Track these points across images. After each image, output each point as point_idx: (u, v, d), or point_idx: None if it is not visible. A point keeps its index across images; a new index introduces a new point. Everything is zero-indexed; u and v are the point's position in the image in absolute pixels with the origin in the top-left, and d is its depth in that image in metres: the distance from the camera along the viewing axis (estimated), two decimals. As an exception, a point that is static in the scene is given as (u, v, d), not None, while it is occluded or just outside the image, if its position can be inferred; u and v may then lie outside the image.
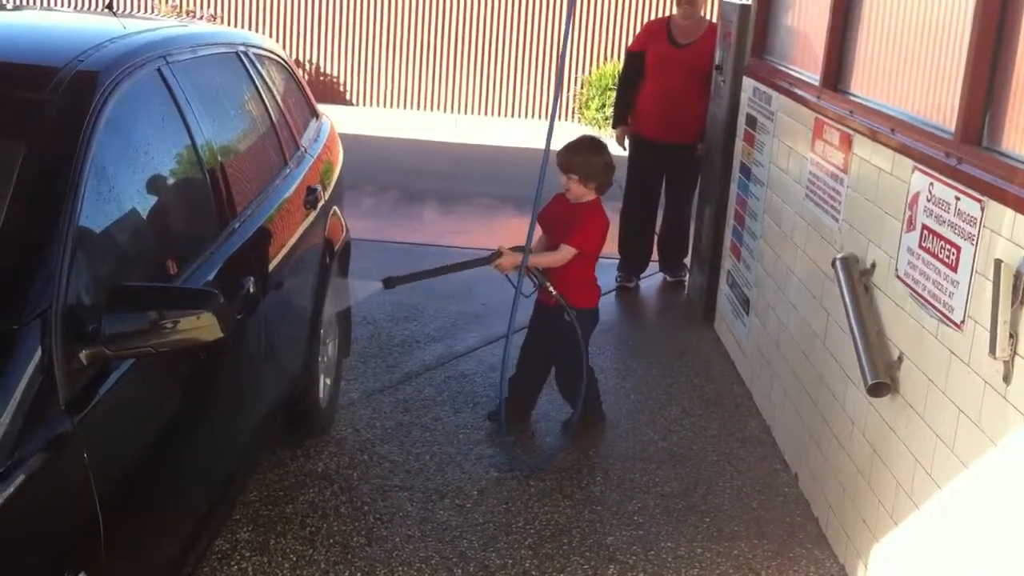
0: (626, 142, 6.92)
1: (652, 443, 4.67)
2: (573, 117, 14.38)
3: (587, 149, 4.51)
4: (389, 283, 4.46)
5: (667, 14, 8.06)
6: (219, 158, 3.23)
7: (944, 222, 3.07)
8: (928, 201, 3.19)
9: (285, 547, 3.66)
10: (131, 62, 2.83)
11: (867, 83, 4.11)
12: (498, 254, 4.46)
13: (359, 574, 3.55)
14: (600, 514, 4.04)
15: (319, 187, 4.26)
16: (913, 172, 3.31)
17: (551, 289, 4.44)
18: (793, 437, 4.44)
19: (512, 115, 14.59)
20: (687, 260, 6.96)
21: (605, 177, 4.48)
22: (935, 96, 3.46)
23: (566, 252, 4.41)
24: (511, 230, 8.21)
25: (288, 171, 3.98)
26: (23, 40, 2.96)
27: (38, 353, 2.10)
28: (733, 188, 5.80)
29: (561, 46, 4.62)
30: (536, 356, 4.73)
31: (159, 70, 3.01)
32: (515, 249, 4.47)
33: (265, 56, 4.24)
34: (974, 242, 2.87)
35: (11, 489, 1.92)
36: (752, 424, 4.90)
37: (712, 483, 4.33)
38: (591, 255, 4.52)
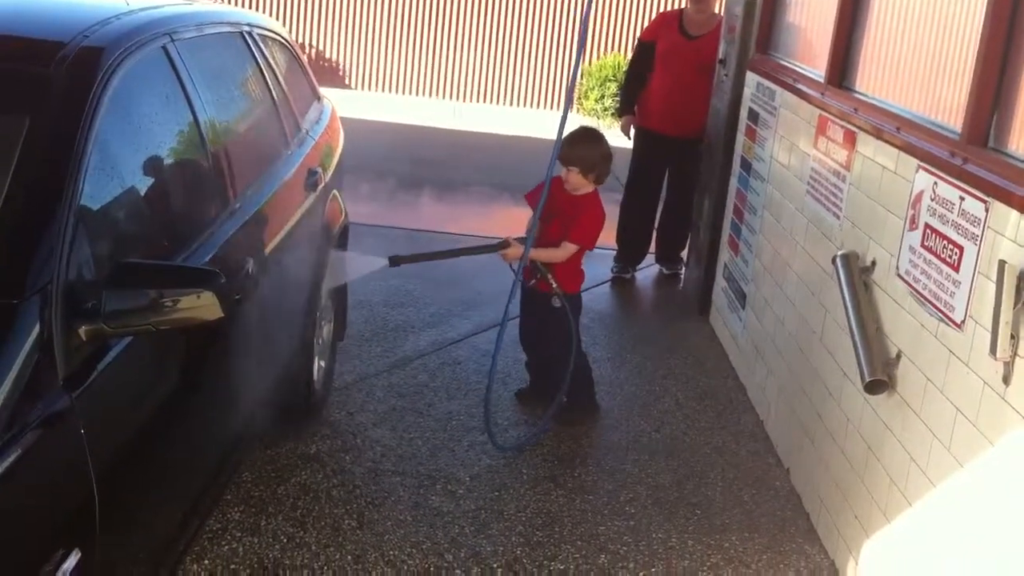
0: (631, 132, 6.90)
1: (645, 434, 4.67)
2: (572, 108, 14.35)
3: (587, 141, 4.53)
4: (395, 261, 4.47)
5: (677, 6, 8.03)
6: (222, 138, 3.21)
7: (948, 222, 3.06)
8: (932, 200, 3.18)
9: (276, 528, 3.66)
10: (136, 39, 2.81)
11: (873, 81, 4.10)
12: (505, 244, 4.46)
13: (349, 557, 3.54)
14: (592, 503, 4.04)
15: (320, 170, 4.24)
16: (917, 171, 3.31)
17: (551, 281, 4.46)
18: (786, 432, 4.45)
19: (512, 103, 14.56)
20: (683, 253, 6.96)
21: (604, 168, 4.51)
22: (942, 95, 3.45)
23: (568, 249, 4.44)
24: (507, 219, 8.20)
25: (289, 153, 3.96)
26: (28, 14, 2.92)
27: (37, 328, 2.09)
28: (733, 182, 5.79)
29: (580, 32, 4.57)
30: (534, 339, 4.79)
31: (164, 47, 2.99)
32: (521, 240, 4.47)
33: (269, 37, 4.22)
34: (977, 242, 2.87)
35: (7, 464, 1.91)
36: (745, 418, 4.91)
37: (704, 476, 4.34)
38: (589, 248, 4.56)
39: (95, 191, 2.40)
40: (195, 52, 3.21)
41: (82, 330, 2.20)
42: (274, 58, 4.14)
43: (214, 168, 3.10)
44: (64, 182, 2.29)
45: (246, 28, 3.93)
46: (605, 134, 4.74)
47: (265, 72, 3.92)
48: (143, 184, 2.74)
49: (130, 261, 2.40)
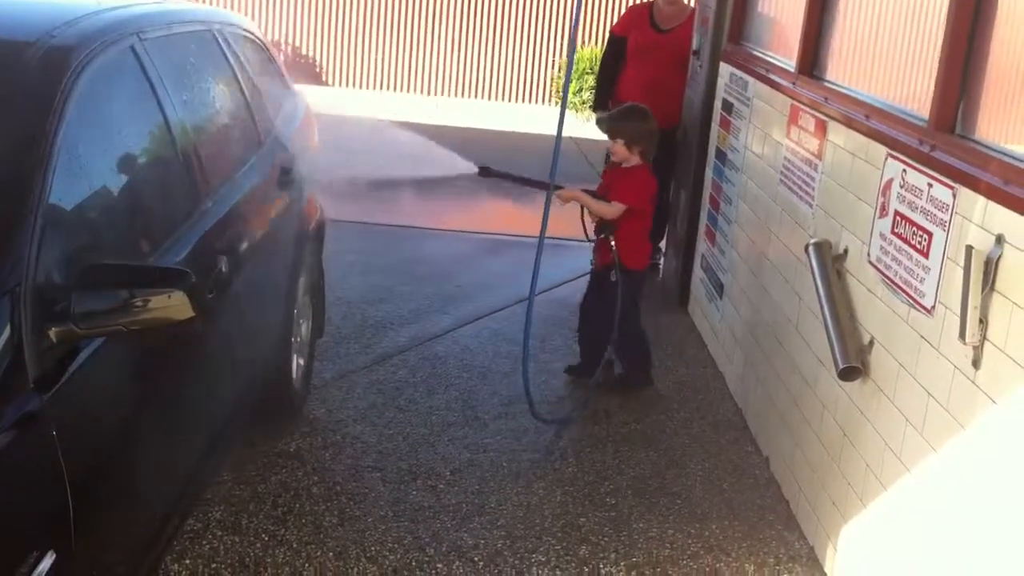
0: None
1: (625, 425, 4.69)
2: (550, 100, 14.38)
3: (633, 116, 4.90)
4: (485, 171, 4.74)
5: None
6: (192, 137, 3.20)
7: (916, 208, 3.09)
8: (901, 187, 3.21)
9: (257, 526, 3.66)
10: (104, 38, 2.80)
11: (843, 70, 4.13)
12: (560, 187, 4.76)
13: (331, 554, 3.55)
14: (573, 495, 4.05)
15: (293, 167, 4.23)
16: (886, 159, 3.33)
17: (612, 246, 4.72)
18: (765, 420, 4.47)
19: (490, 98, 14.56)
20: (662, 244, 6.97)
21: (649, 142, 4.82)
22: (910, 83, 3.48)
23: (615, 207, 4.70)
24: (487, 211, 8.21)
25: (262, 150, 3.95)
26: (-7, 14, 2.92)
27: (7, 330, 2.09)
28: (708, 173, 5.82)
29: (571, 30, 4.93)
30: (589, 312, 5.05)
31: (132, 47, 2.98)
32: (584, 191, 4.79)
33: (240, 35, 4.21)
34: (946, 228, 2.90)
35: (-21, 466, 1.91)
36: (725, 407, 4.93)
37: (684, 466, 4.36)
38: (642, 211, 4.78)
39: (64, 192, 2.39)
40: (164, 51, 3.20)
41: (52, 332, 2.20)
42: (245, 56, 4.12)
43: (185, 167, 3.09)
44: (31, 183, 2.28)
45: (216, 26, 3.92)
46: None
47: (236, 70, 3.91)
48: (113, 184, 2.73)
49: (99, 262, 2.39)
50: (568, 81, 4.72)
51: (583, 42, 14.36)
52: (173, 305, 2.32)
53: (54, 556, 2.06)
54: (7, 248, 2.18)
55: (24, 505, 2.05)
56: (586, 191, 4.82)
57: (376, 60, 14.36)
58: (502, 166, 4.94)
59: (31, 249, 2.20)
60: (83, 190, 2.53)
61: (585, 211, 4.85)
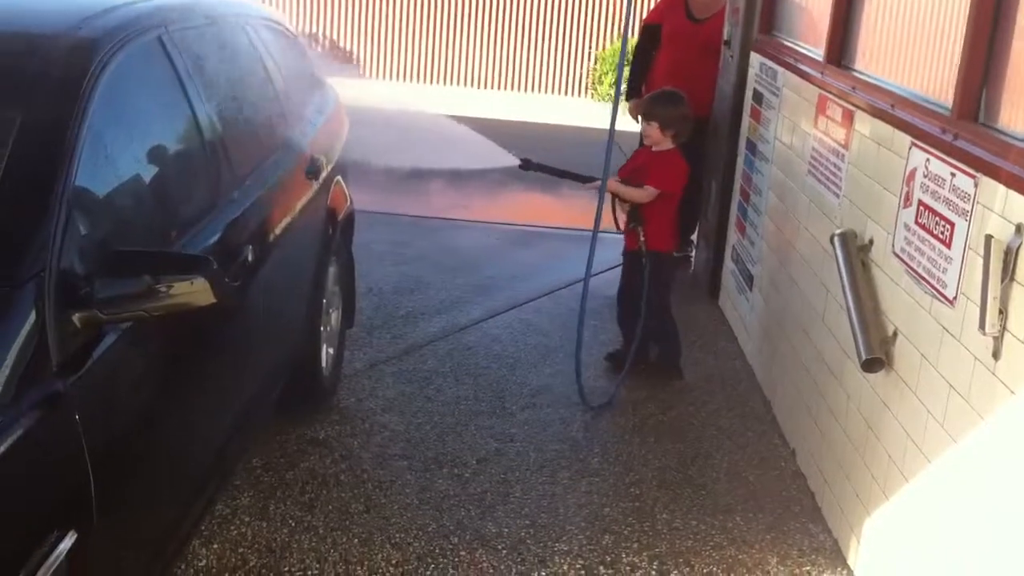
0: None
1: (652, 416, 4.69)
2: (586, 93, 14.36)
3: (669, 100, 4.99)
4: (526, 164, 4.88)
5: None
6: (219, 127, 3.25)
7: (939, 198, 3.07)
8: (925, 177, 3.19)
9: (285, 512, 3.71)
10: (131, 30, 2.85)
11: (870, 59, 4.10)
12: (594, 179, 4.85)
13: (356, 541, 3.59)
14: (597, 485, 4.07)
15: (322, 158, 4.27)
16: (911, 148, 3.31)
17: (640, 233, 4.80)
18: (792, 413, 4.46)
19: (522, 89, 14.56)
20: (694, 236, 6.96)
21: (682, 127, 4.90)
22: (934, 72, 3.45)
23: (648, 191, 4.78)
24: (518, 204, 8.23)
25: (291, 141, 4.00)
26: (22, 7, 2.97)
27: (32, 315, 2.13)
28: (739, 164, 5.80)
29: (624, 20, 5.11)
30: (626, 297, 5.12)
31: (160, 38, 3.02)
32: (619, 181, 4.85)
33: (269, 26, 4.25)
34: (967, 218, 2.88)
35: (1, 448, 1.96)
36: (753, 400, 4.92)
37: (710, 457, 4.35)
38: (673, 195, 4.86)
39: (89, 180, 2.44)
40: (192, 42, 3.24)
41: (76, 317, 2.24)
42: (274, 47, 4.16)
43: (212, 157, 3.13)
44: (57, 172, 2.33)
45: (245, 17, 3.96)
46: (684, 96, 5.03)
47: (265, 61, 3.95)
48: (139, 173, 2.78)
49: (123, 249, 2.44)
50: (621, 74, 4.95)
51: (618, 34, 14.33)
52: (195, 291, 2.35)
53: (75, 536, 2.11)
54: (32, 234, 2.23)
55: (45, 487, 2.09)
56: (619, 180, 4.88)
57: (412, 53, 14.42)
58: (540, 158, 5.00)
59: (56, 236, 2.24)
60: (108, 178, 2.58)
61: (616, 201, 4.89)
